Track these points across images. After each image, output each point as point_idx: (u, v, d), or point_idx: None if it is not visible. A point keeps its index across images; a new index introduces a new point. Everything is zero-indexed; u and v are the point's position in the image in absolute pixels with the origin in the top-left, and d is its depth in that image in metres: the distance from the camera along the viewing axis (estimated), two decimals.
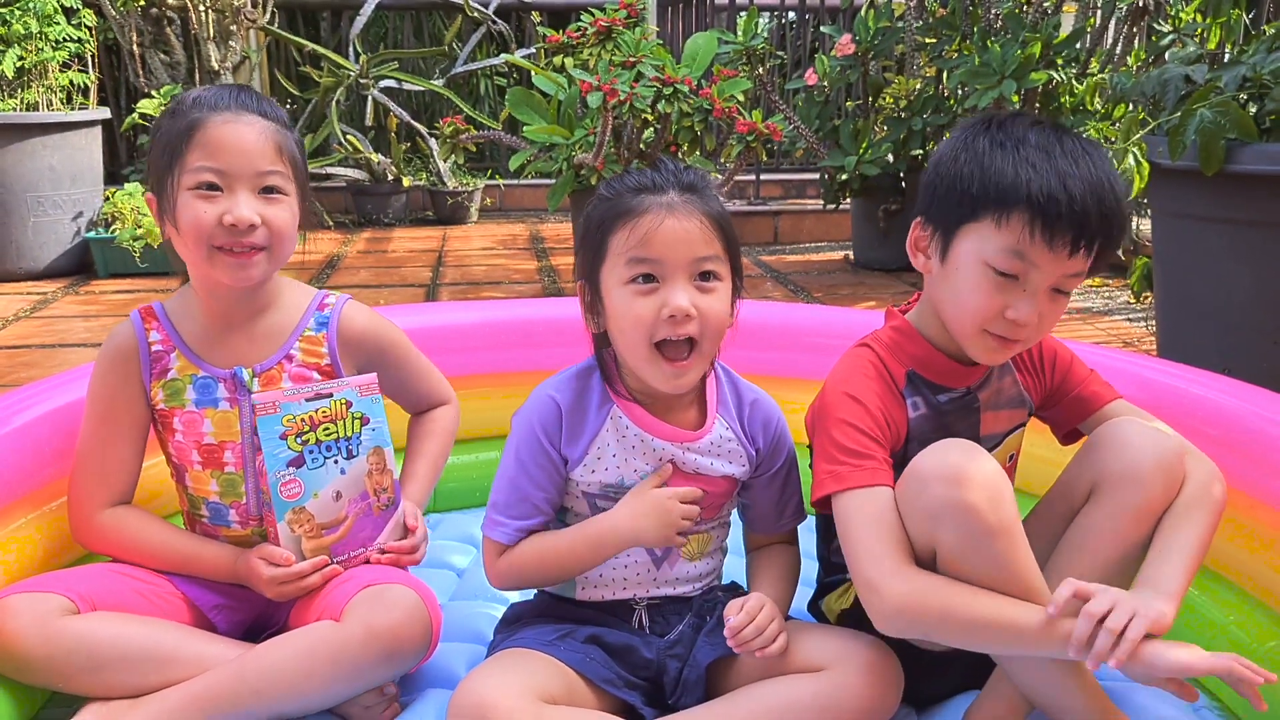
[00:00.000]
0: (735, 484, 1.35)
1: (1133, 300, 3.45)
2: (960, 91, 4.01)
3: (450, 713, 1.16)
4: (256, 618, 1.45)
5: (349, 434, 1.40)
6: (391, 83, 5.95)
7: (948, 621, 1.13)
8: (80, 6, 4.45)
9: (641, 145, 4.01)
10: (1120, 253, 3.01)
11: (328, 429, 1.39)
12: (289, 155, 1.40)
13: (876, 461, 1.21)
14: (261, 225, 1.36)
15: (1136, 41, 4.14)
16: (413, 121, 5.83)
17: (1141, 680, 1.09)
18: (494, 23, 6.25)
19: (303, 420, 1.37)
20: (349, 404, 1.40)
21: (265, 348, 1.45)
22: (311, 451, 1.38)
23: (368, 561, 1.42)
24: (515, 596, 1.55)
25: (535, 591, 1.41)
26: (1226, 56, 3.03)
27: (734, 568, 1.45)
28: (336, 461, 1.39)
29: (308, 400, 1.38)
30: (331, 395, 1.39)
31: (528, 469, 1.30)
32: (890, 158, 4.32)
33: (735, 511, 1.43)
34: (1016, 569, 1.13)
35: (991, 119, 1.24)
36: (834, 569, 1.39)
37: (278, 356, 1.44)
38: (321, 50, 5.88)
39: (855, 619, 1.28)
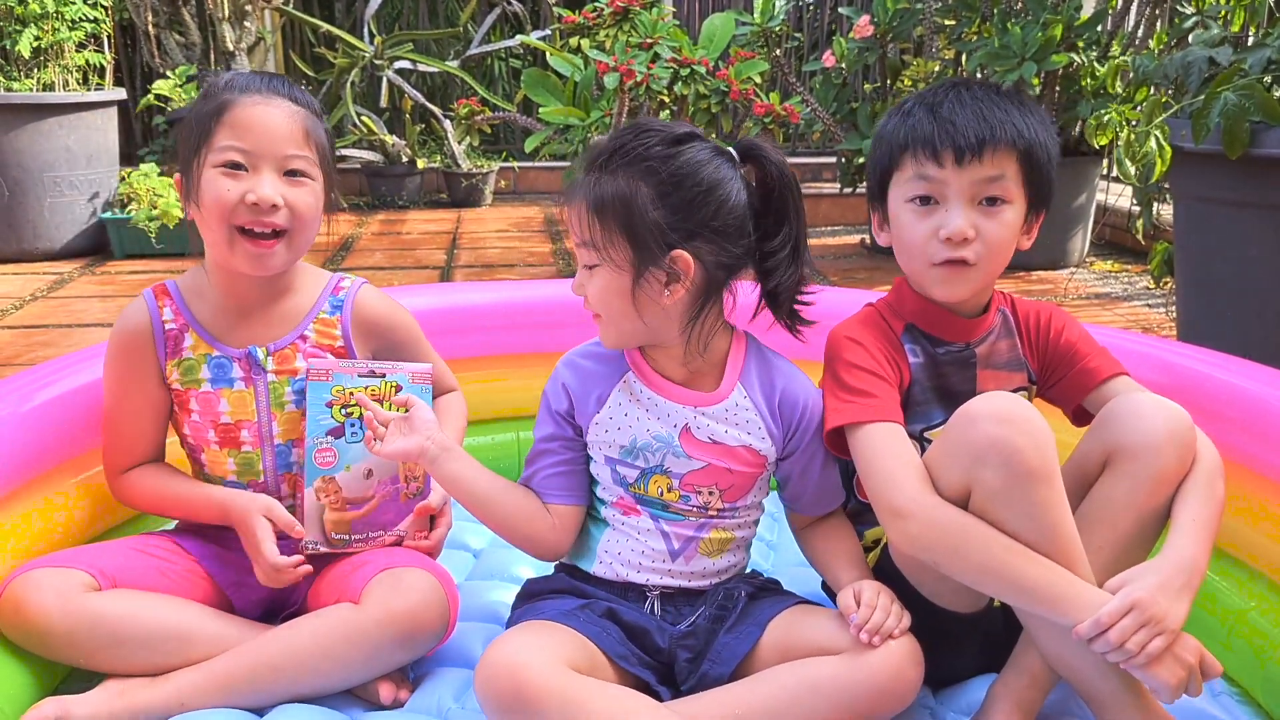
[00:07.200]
0: (761, 461, 1.31)
1: (1152, 285, 3.42)
2: (980, 74, 3.97)
3: (479, 676, 1.15)
4: (275, 596, 1.46)
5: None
6: (406, 64, 5.93)
7: (966, 546, 1.14)
8: None
9: None
10: (1140, 237, 2.98)
11: None
12: (316, 141, 1.40)
13: (884, 400, 1.25)
14: (284, 207, 1.36)
15: (1159, 24, 4.09)
16: (427, 103, 5.81)
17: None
18: (509, 4, 6.23)
19: (351, 393, 1.39)
20: (399, 388, 1.41)
21: (279, 329, 1.45)
22: (353, 425, 1.40)
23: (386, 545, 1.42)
24: (534, 572, 1.56)
25: (554, 566, 1.41)
26: (1250, 40, 3.00)
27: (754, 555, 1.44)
28: None
29: (360, 375, 1.40)
30: (385, 376, 1.41)
31: (538, 428, 1.36)
32: None
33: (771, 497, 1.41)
34: (1052, 518, 1.13)
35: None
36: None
37: (291, 337, 1.45)
38: (336, 31, 5.86)
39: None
